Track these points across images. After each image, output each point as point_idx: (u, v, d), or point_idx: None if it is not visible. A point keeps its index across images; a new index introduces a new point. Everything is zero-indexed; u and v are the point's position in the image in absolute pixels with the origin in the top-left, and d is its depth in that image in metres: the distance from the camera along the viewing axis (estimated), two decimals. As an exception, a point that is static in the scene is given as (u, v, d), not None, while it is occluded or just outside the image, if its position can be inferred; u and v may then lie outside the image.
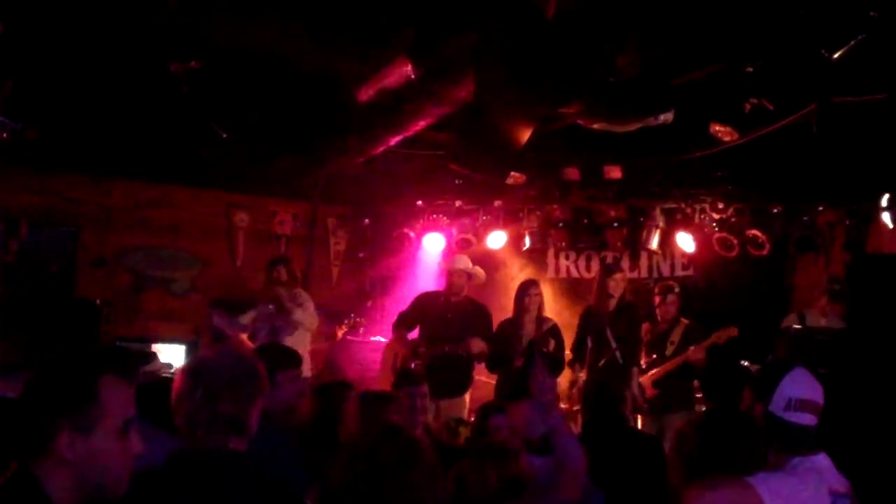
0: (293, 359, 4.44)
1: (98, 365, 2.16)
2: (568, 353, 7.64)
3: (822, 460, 3.05)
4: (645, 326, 7.73)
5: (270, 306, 7.62)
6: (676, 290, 7.77)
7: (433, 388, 7.16)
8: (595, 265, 9.11)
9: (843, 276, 7.31)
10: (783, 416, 3.04)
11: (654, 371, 7.48)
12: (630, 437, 5.39)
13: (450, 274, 7.73)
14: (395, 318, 7.90)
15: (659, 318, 7.72)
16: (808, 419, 3.07)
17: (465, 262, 7.80)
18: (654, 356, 7.60)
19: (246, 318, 7.58)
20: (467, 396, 7.49)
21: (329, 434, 4.50)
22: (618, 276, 7.59)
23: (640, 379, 7.37)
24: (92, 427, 2.07)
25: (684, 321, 7.64)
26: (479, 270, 7.86)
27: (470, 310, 7.62)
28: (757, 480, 2.79)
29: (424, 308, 7.74)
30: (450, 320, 7.51)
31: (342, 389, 4.91)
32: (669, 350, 7.53)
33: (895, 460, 4.72)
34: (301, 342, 7.39)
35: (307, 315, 7.55)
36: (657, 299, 7.77)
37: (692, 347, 7.37)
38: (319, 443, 4.33)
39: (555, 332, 7.56)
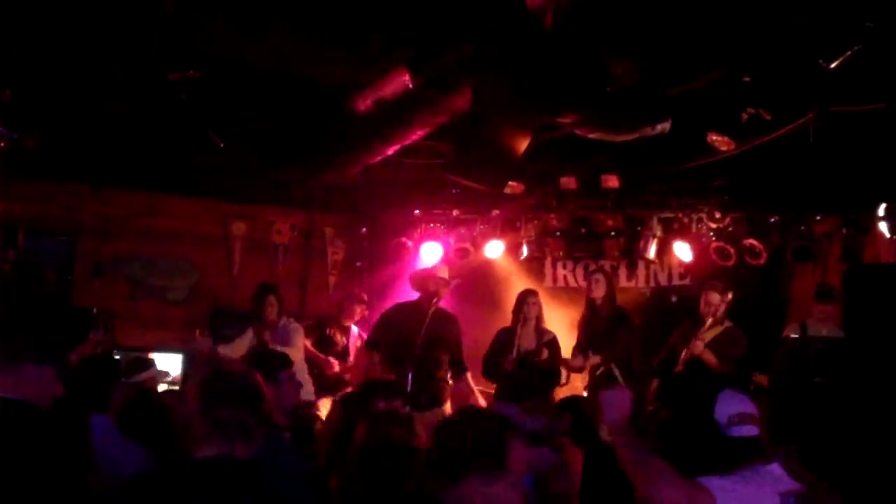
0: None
1: (509, 428, 2.74)
2: (569, 357, 7.61)
3: (775, 469, 3.21)
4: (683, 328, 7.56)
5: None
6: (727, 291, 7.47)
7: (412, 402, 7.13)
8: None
9: (839, 285, 7.31)
10: (728, 433, 3.31)
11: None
12: None
13: (431, 282, 7.50)
14: (365, 342, 7.76)
15: (708, 317, 7.38)
16: (748, 430, 3.31)
17: (445, 271, 7.73)
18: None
19: (237, 350, 7.35)
20: (447, 408, 7.23)
21: None
22: (595, 275, 7.77)
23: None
24: (497, 479, 2.57)
25: (728, 323, 7.39)
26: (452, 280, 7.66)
27: (444, 318, 7.42)
28: (710, 483, 2.96)
29: (395, 321, 7.53)
30: (425, 329, 7.19)
31: None
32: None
33: (892, 468, 4.72)
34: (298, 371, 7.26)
35: (290, 350, 6.94)
36: (703, 301, 7.44)
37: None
38: None
39: (551, 344, 7.50)
